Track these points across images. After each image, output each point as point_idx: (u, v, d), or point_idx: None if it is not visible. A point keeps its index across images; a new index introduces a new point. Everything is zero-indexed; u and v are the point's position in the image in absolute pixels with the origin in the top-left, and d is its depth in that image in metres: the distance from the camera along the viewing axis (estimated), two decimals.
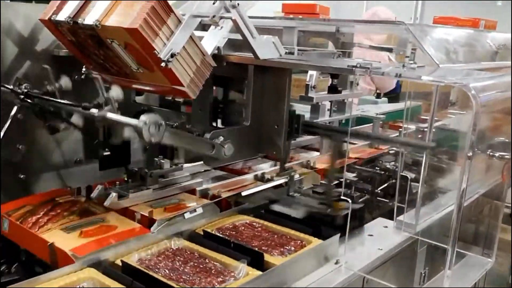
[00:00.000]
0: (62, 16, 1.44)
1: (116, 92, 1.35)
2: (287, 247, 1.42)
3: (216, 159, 1.46)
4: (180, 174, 1.79)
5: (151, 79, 1.48)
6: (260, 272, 1.25)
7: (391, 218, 1.83)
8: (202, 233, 1.48)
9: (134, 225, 1.47)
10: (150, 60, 1.38)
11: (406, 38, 2.24)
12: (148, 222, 1.49)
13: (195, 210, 1.57)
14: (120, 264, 1.28)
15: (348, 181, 2.12)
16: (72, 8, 1.43)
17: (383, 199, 2.28)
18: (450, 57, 1.75)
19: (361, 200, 2.22)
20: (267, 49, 1.49)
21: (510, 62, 2.39)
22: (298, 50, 2.22)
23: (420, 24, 1.89)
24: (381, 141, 1.90)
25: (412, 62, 1.51)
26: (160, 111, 1.92)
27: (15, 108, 1.61)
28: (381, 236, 1.66)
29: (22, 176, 1.86)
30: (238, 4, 1.36)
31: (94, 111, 1.34)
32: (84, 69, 1.71)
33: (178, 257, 1.34)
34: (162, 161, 1.75)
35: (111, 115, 1.32)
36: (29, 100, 1.55)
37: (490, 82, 1.38)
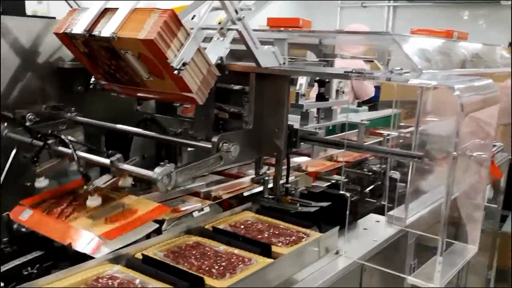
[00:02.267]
0: (78, 29, 1.54)
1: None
2: (290, 239, 1.53)
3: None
4: None
5: (161, 86, 1.59)
6: (271, 260, 1.36)
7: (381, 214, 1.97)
8: (211, 229, 1.58)
9: (153, 205, 1.57)
10: (162, 69, 1.49)
11: (386, 48, 2.41)
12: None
13: (202, 209, 1.69)
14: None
15: (339, 182, 2.27)
16: (86, 22, 1.54)
17: (370, 199, 2.45)
18: (431, 63, 1.91)
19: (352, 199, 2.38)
20: (268, 58, 1.62)
21: (482, 69, 2.59)
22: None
23: (402, 35, 2.05)
24: (375, 152, 2.03)
25: (398, 68, 1.65)
26: (164, 119, 2.03)
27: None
28: (374, 230, 1.80)
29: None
30: (243, 16, 1.49)
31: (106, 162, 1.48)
32: (92, 80, 1.81)
33: (194, 251, 1.43)
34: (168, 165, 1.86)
35: (126, 167, 1.45)
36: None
37: (471, 84, 1.54)
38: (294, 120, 2.48)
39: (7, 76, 1.81)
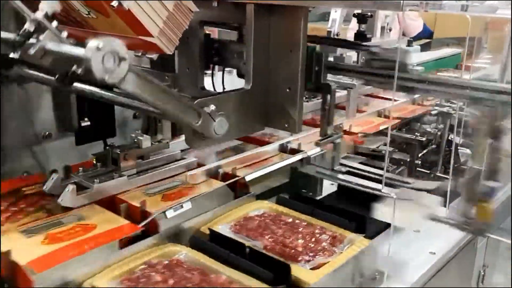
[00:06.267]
0: None
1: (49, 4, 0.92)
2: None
3: (203, 136, 1.04)
4: (167, 152, 1.39)
5: (110, 27, 1.06)
6: None
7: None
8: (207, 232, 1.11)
9: (120, 222, 1.11)
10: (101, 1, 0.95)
11: None
12: (140, 217, 1.12)
13: (181, 206, 1.18)
14: None
15: (381, 152, 1.72)
16: None
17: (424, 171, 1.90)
18: None
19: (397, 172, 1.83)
20: None
21: None
22: None
23: None
24: (437, 87, 1.28)
25: None
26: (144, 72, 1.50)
27: None
28: (431, 233, 1.25)
29: None
30: None
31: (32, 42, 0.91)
32: None
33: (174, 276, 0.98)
34: (140, 137, 1.35)
35: (52, 46, 0.90)
36: None
37: None
38: None
39: None
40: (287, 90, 1.14)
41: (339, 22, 1.88)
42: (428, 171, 1.97)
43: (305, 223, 1.15)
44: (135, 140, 1.34)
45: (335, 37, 1.85)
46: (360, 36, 1.95)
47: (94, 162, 1.33)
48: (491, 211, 1.07)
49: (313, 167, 1.38)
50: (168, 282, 0.95)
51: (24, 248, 0.99)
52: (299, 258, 1.02)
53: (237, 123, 1.12)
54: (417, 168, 1.92)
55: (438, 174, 1.95)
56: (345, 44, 1.68)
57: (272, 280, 0.93)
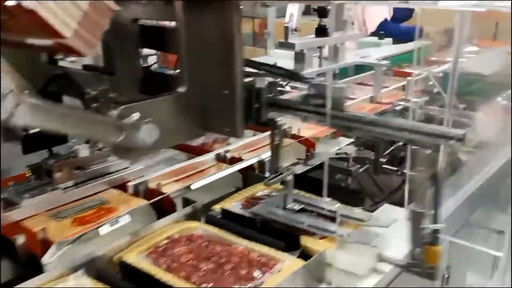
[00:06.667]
0: None
1: None
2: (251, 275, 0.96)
3: (132, 148, 0.95)
4: (107, 162, 1.31)
5: (24, 30, 0.97)
6: None
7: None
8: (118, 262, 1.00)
9: (139, 202, 1.20)
10: None
11: None
12: (41, 247, 1.02)
13: (117, 221, 1.10)
14: None
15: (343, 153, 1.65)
16: None
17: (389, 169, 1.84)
18: None
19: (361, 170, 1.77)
20: None
21: None
22: None
23: None
24: (374, 127, 1.15)
25: None
26: (81, 75, 1.41)
27: None
28: (389, 236, 1.18)
29: None
30: None
31: None
32: None
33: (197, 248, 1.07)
34: (78, 146, 1.26)
35: None
36: None
37: None
38: None
39: None
40: (225, 92, 1.06)
41: (297, 17, 1.80)
42: (396, 168, 1.91)
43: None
44: (72, 149, 1.25)
45: (293, 33, 1.76)
46: (321, 30, 1.88)
47: (28, 174, 1.24)
48: (438, 254, 1.01)
49: (266, 206, 1.25)
50: (192, 253, 1.03)
51: (56, 229, 1.07)
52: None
53: (172, 129, 1.04)
54: (383, 166, 1.87)
55: (405, 171, 1.89)
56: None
57: (284, 248, 1.03)
